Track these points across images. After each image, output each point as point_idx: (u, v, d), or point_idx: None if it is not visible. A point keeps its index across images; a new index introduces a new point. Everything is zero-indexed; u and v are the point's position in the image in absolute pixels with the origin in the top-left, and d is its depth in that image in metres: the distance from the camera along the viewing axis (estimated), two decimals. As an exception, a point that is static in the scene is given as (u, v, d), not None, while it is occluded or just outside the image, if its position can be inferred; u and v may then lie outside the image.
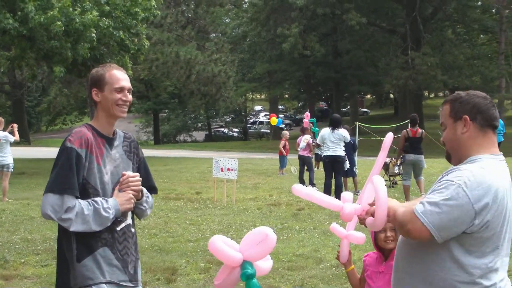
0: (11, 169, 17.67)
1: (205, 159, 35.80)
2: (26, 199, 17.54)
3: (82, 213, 4.10)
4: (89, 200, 4.17)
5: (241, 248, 4.41)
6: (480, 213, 3.32)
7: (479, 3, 60.60)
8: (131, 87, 4.51)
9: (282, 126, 40.66)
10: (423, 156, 17.63)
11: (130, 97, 4.46)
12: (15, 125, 18.18)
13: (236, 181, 18.58)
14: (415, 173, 17.50)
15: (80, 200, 4.14)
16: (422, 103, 62.61)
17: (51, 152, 37.29)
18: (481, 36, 66.18)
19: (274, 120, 29.51)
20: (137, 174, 4.45)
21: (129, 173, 4.39)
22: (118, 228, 4.35)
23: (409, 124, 17.58)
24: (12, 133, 17.66)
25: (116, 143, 4.49)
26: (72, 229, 4.11)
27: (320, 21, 59.94)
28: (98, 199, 4.19)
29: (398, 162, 17.73)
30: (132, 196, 4.32)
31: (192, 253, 10.82)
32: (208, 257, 10.27)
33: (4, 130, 17.62)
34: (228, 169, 16.97)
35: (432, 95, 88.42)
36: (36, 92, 64.55)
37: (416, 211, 3.36)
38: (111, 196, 4.30)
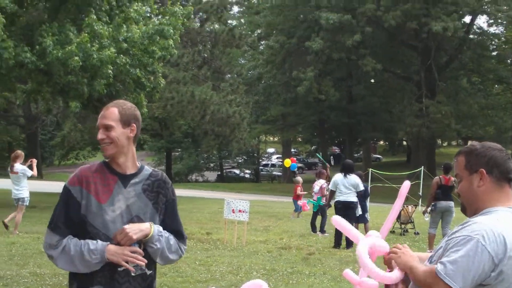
0: (26, 203, 17.73)
1: (216, 199, 35.74)
2: (36, 233, 17.49)
3: (68, 252, 4.10)
4: (81, 240, 4.11)
5: None
6: (498, 265, 3.28)
7: (494, 53, 60.80)
8: (108, 123, 4.26)
9: (295, 170, 40.58)
10: (453, 202, 17.03)
11: (102, 136, 4.26)
12: (35, 160, 18.27)
13: (247, 223, 18.52)
14: (444, 221, 16.95)
15: (71, 240, 4.13)
16: (435, 151, 62.46)
17: (58, 186, 37.30)
18: (496, 86, 66.24)
19: (287, 162, 29.49)
20: (136, 226, 4.20)
21: (129, 226, 4.17)
22: (120, 269, 4.18)
23: (443, 171, 17.26)
24: (30, 167, 17.74)
25: (134, 180, 4.35)
26: (58, 266, 4.18)
27: (336, 66, 60.13)
28: (89, 240, 4.11)
29: (429, 210, 17.36)
30: (129, 253, 4.11)
31: (201, 294, 10.76)
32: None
33: (23, 164, 17.74)
34: (240, 211, 16.94)
35: (445, 144, 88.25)
36: (51, 126, 64.81)
37: (438, 273, 3.31)
38: None
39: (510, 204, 3.56)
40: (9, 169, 17.81)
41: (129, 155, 4.36)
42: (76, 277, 4.18)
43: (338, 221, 4.39)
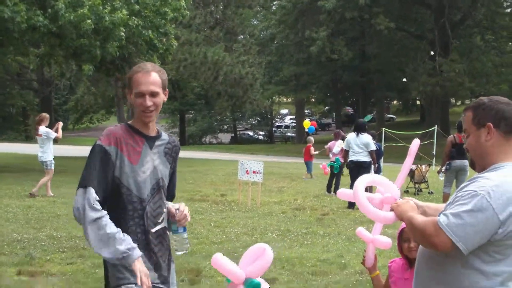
0: (50, 167, 17.74)
1: (230, 161, 35.84)
2: (52, 197, 17.62)
3: (103, 228, 4.00)
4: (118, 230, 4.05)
5: (241, 266, 4.44)
6: (505, 223, 3.29)
7: (509, 10, 60.25)
8: (156, 90, 4.27)
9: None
10: (467, 161, 16.54)
11: (150, 102, 4.25)
12: (60, 123, 18.31)
13: (261, 184, 18.57)
14: (459, 180, 16.57)
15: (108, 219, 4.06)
16: (449, 110, 62.23)
17: (78, 150, 37.56)
18: (510, 43, 65.73)
19: (307, 123, 29.43)
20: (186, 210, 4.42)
21: (185, 207, 4.40)
22: (153, 230, 4.29)
23: (457, 130, 17.11)
24: (56, 130, 17.80)
25: (158, 143, 4.42)
26: (88, 235, 4.03)
27: (348, 25, 59.82)
28: (128, 239, 4.05)
29: (443, 169, 17.16)
30: (146, 280, 4.01)
31: (217, 255, 10.81)
32: (232, 260, 10.27)
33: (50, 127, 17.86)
34: (254, 172, 16.97)
35: (459, 103, 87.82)
36: (64, 90, 64.92)
37: (440, 224, 3.33)
38: (149, 193, 4.27)
39: None
40: (35, 132, 17.98)
41: (154, 120, 4.43)
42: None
43: (343, 193, 4.48)
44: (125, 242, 3.99)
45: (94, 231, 4.00)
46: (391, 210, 3.97)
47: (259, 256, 4.41)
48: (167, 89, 4.41)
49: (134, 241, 4.09)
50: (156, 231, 4.32)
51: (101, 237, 3.99)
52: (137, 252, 4.02)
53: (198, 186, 21.99)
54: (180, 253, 4.53)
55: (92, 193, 4.03)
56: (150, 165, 4.30)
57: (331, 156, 21.98)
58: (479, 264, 3.38)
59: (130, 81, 4.31)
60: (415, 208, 3.76)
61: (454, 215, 3.31)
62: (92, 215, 4.00)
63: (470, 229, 3.27)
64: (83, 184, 4.09)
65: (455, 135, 16.81)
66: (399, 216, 3.81)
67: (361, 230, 5.00)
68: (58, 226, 13.12)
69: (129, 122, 4.41)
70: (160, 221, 4.35)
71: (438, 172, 17.88)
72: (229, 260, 4.40)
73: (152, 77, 4.28)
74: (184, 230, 4.49)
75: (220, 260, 4.38)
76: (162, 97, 4.34)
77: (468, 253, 3.34)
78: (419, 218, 3.52)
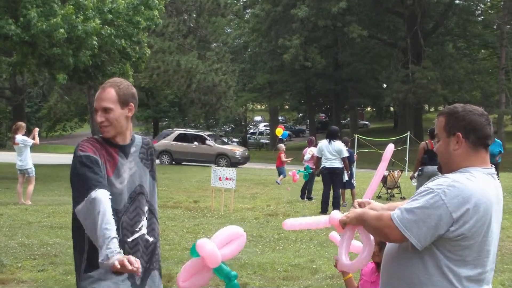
0: (31, 174, 17.76)
1: (203, 168, 35.84)
2: (24, 204, 17.56)
3: (94, 206, 3.83)
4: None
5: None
6: (458, 221, 3.35)
7: (480, 18, 60.82)
8: (108, 106, 4.22)
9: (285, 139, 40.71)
10: None
11: (101, 118, 4.21)
12: (36, 129, 18.37)
13: (234, 191, 18.61)
14: None
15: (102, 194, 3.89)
16: (422, 117, 62.62)
17: (50, 158, 37.44)
18: (482, 51, 66.33)
19: (279, 131, 29.52)
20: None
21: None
22: (130, 240, 4.21)
23: (428, 136, 17.36)
24: (33, 137, 17.81)
25: (132, 149, 4.38)
26: (79, 217, 3.95)
27: (322, 33, 60.07)
28: (113, 233, 3.78)
29: (416, 175, 17.39)
30: (134, 267, 3.67)
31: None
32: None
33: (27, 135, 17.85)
34: (227, 179, 17.01)
35: (432, 109, 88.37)
36: (37, 98, 64.45)
37: (393, 217, 3.42)
38: (126, 203, 4.20)
39: (485, 166, 3.63)
40: (12, 141, 17.99)
41: (127, 132, 4.39)
42: (92, 254, 4.03)
43: (291, 223, 4.53)
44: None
45: (82, 213, 3.92)
46: (343, 225, 4.04)
47: (234, 240, 4.45)
48: (131, 104, 4.32)
49: None
50: (133, 239, 4.24)
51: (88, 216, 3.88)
52: (114, 250, 3.73)
53: (171, 193, 21.98)
54: None
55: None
56: (127, 175, 4.26)
57: (304, 163, 22.09)
58: (439, 263, 3.44)
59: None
60: (365, 209, 3.84)
61: (408, 210, 3.40)
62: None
63: (422, 225, 3.35)
64: (86, 194, 3.92)
65: (427, 141, 17.03)
66: (355, 223, 3.87)
67: (334, 235, 5.09)
68: (29, 234, 13.08)
69: (101, 134, 4.34)
70: (137, 229, 4.27)
71: (411, 177, 18.06)
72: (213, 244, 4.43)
73: (106, 93, 4.24)
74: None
75: (208, 244, 4.40)
76: (119, 112, 4.26)
77: (430, 251, 3.43)
78: (372, 213, 3.64)
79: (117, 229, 3.92)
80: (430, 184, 3.48)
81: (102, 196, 3.87)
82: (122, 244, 4.09)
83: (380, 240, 3.66)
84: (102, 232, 3.74)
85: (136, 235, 4.26)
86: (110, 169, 4.19)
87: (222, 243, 4.51)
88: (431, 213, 3.34)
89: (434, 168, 16.83)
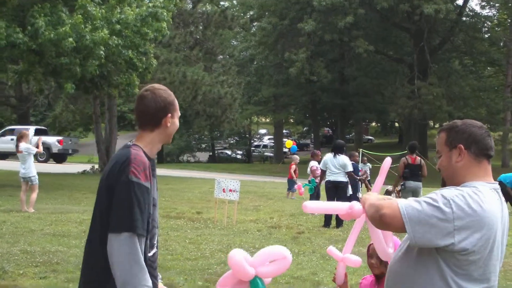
0: (35, 182, 17.82)
1: (207, 179, 35.80)
2: (27, 212, 17.57)
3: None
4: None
5: (254, 262, 4.45)
6: (460, 232, 3.31)
7: (487, 35, 60.90)
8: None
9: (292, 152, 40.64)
10: (421, 183, 17.62)
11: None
12: (41, 138, 18.51)
13: (238, 203, 18.57)
14: None
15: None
16: (427, 133, 62.63)
17: (54, 166, 37.34)
18: (488, 68, 66.40)
19: (289, 143, 29.50)
20: None
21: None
22: (150, 254, 3.97)
23: (408, 151, 17.62)
24: (37, 146, 17.90)
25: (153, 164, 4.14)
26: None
27: (328, 47, 60.26)
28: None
29: (397, 189, 17.64)
30: None
31: (191, 271, 10.83)
32: (206, 276, 10.30)
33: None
34: (230, 190, 17.00)
35: (437, 125, 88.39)
36: (42, 106, 64.68)
37: (398, 203, 3.39)
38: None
39: (488, 179, 3.63)
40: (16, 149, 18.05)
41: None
42: None
43: (312, 207, 4.45)
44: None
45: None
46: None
47: (277, 261, 4.43)
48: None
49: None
50: (153, 254, 4.04)
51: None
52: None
53: (174, 204, 21.96)
54: None
55: (136, 244, 3.72)
56: (155, 189, 4.07)
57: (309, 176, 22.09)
58: (446, 277, 3.41)
59: (175, 103, 4.12)
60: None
61: (416, 200, 3.39)
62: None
63: (423, 216, 3.30)
64: (132, 228, 3.73)
65: (407, 156, 17.41)
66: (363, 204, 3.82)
67: (331, 249, 5.09)
68: (32, 241, 13.07)
69: (141, 145, 4.06)
70: (155, 242, 4.07)
71: (391, 192, 18.29)
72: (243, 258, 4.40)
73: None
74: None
75: (236, 256, 4.38)
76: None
77: (437, 264, 3.41)
78: (375, 197, 3.63)
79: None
80: (441, 191, 3.45)
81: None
82: (145, 259, 3.83)
83: (373, 222, 3.57)
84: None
85: (155, 249, 4.08)
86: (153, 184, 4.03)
87: (262, 260, 4.48)
88: (436, 212, 3.30)
89: (416, 184, 17.22)
